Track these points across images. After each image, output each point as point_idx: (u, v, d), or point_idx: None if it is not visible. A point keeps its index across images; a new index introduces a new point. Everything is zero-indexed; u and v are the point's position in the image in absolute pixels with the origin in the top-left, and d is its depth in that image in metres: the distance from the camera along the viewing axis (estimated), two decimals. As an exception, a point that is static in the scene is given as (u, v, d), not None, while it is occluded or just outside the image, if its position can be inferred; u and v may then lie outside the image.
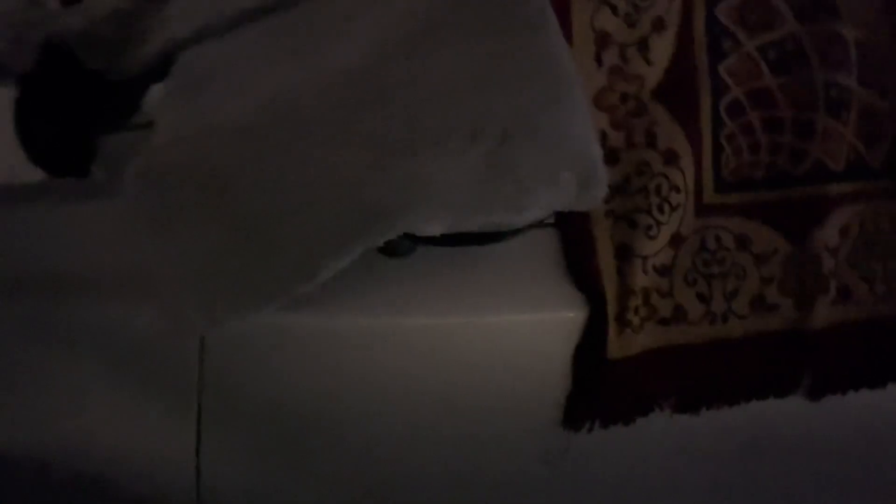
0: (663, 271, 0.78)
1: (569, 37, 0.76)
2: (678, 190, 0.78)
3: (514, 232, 0.72)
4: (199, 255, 0.69)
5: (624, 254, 0.77)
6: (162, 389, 0.75)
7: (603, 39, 0.77)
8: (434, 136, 0.67)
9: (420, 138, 0.67)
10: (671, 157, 0.78)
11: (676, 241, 0.78)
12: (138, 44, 1.06)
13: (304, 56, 0.80)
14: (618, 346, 0.77)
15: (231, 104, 0.78)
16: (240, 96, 0.79)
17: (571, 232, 0.78)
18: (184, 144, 0.75)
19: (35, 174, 0.84)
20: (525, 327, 0.77)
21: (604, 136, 0.77)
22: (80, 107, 1.04)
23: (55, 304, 0.73)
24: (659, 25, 0.77)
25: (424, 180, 0.65)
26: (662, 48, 0.77)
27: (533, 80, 0.69)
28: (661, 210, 0.77)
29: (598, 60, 0.77)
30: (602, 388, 0.77)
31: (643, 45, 0.77)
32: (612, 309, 0.76)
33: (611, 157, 0.76)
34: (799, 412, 0.84)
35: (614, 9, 0.77)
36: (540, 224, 0.77)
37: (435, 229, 0.64)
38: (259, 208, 0.69)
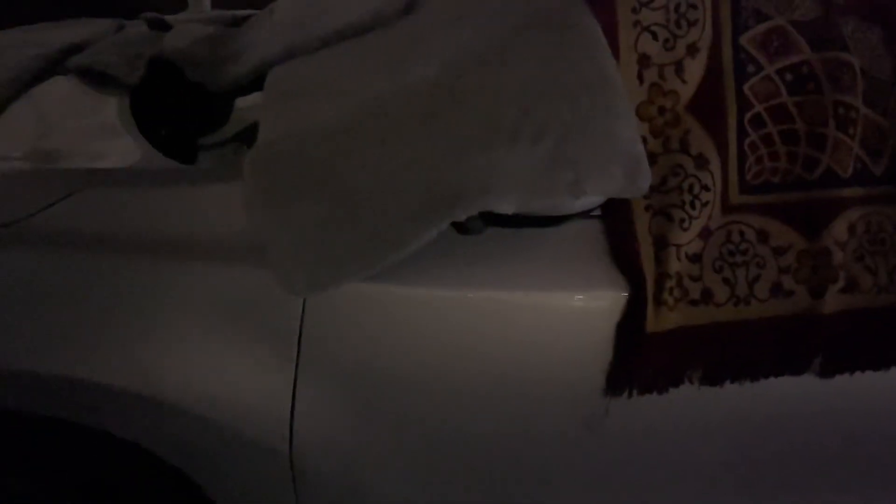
0: (694, 259, 0.90)
1: (616, 57, 0.89)
2: (707, 189, 0.91)
3: (569, 217, 0.85)
4: (307, 229, 0.82)
5: (661, 243, 0.90)
6: (263, 347, 0.88)
7: (644, 60, 0.91)
8: (507, 133, 0.80)
9: (495, 135, 0.80)
10: (702, 162, 0.91)
11: (705, 233, 0.91)
12: (231, 62, 1.22)
13: (390, 70, 0.95)
14: (654, 321, 0.89)
15: (328, 108, 0.92)
16: (336, 101, 0.93)
17: (616, 223, 0.91)
18: (290, 138, 0.89)
19: (164, 161, 0.98)
20: (575, 304, 0.90)
21: (644, 142, 0.90)
22: (185, 111, 1.20)
23: (178, 265, 0.86)
24: (693, 50, 0.91)
25: (499, 168, 0.78)
26: (695, 69, 0.91)
27: (589, 90, 0.83)
28: (692, 206, 0.90)
29: (640, 78, 0.91)
30: (640, 358, 0.89)
31: (679, 67, 0.91)
32: (650, 290, 0.89)
33: (650, 160, 0.89)
34: (809, 394, 0.96)
35: (654, 35, 0.91)
36: (589, 215, 0.91)
37: (506, 208, 0.78)
38: (358, 189, 0.82)
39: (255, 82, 1.13)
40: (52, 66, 1.26)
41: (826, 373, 0.94)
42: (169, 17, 1.48)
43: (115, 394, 0.86)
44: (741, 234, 0.91)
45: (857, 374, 0.95)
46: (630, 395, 0.90)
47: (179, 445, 0.92)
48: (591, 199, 0.79)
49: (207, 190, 0.95)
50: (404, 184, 0.80)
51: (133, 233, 0.89)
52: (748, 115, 0.92)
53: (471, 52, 0.89)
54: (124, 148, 1.08)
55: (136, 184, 0.96)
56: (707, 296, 0.91)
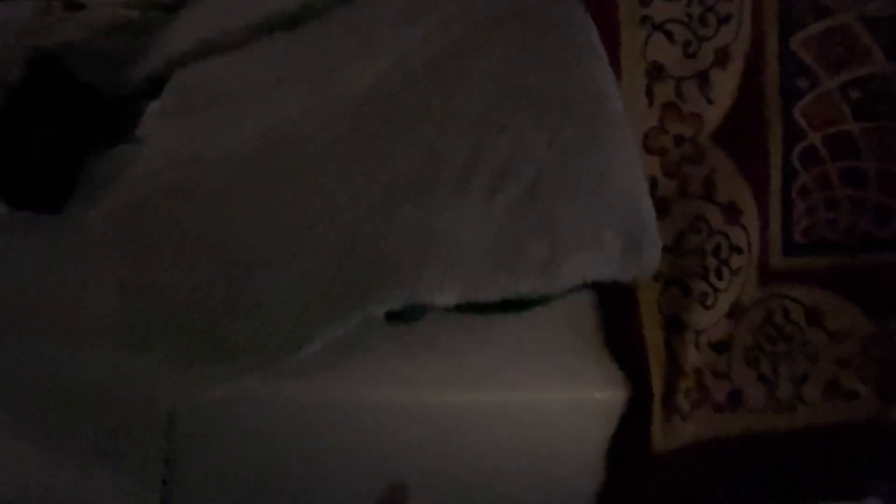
0: (720, 347, 0.66)
1: (616, 67, 0.64)
2: (740, 251, 0.66)
3: (543, 300, 0.60)
4: (176, 309, 0.58)
5: (674, 325, 0.65)
6: (125, 456, 0.64)
7: (656, 71, 0.66)
8: (454, 174, 0.56)
9: (438, 177, 0.56)
10: (732, 213, 0.66)
11: (736, 312, 0.66)
12: (140, 57, 0.96)
13: (313, 80, 0.70)
14: (663, 436, 0.64)
15: (227, 131, 0.68)
16: (237, 122, 0.69)
17: (612, 296, 0.66)
18: (169, 174, 0.65)
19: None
20: (553, 408, 0.65)
21: (653, 185, 0.65)
22: (70, 122, 0.94)
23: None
24: (723, 57, 0.66)
25: (438, 233, 0.54)
26: (726, 84, 0.66)
27: (573, 116, 0.58)
28: (718, 275, 0.65)
29: (650, 96, 0.66)
30: (643, 484, 0.65)
31: (704, 80, 0.66)
32: (658, 391, 0.64)
33: (661, 210, 0.64)
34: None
35: (671, 36, 0.66)
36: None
37: (447, 299, 0.53)
38: (246, 255, 0.58)
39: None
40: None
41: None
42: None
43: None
44: (785, 312, 0.67)
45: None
46: (627, 531, 0.66)
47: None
48: (572, 281, 0.55)
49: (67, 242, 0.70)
50: (307, 251, 0.56)
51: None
52: (798, 148, 0.67)
53: (419, 56, 0.64)
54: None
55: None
56: (736, 399, 0.66)
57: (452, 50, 0.64)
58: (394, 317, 0.61)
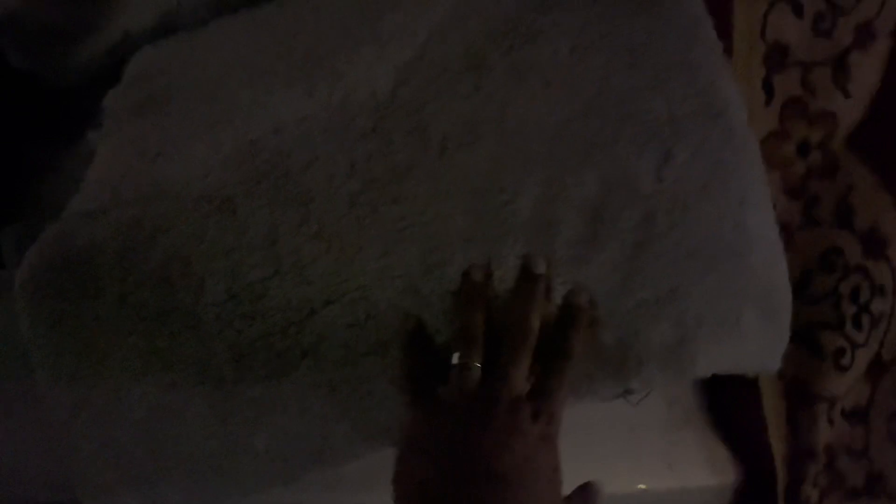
0: (857, 418, 0.51)
1: (728, 51, 0.47)
2: (882, 293, 0.50)
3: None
4: (133, 415, 0.42)
5: (800, 393, 0.50)
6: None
7: (778, 55, 0.49)
8: (522, 221, 0.39)
9: (500, 226, 0.39)
10: (875, 242, 0.50)
11: (877, 371, 0.51)
12: (89, 34, 0.77)
13: (308, 74, 0.52)
14: (787, 532, 0.50)
15: (192, 147, 0.51)
16: (206, 134, 0.51)
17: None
18: (116, 215, 0.47)
19: None
20: (655, 500, 0.50)
21: (772, 207, 0.49)
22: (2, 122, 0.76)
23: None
24: (865, 36, 0.49)
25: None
26: (868, 72, 0.49)
27: (687, 134, 0.41)
28: (857, 325, 0.50)
29: (768, 89, 0.49)
30: None
31: (840, 67, 0.49)
32: (781, 478, 0.49)
33: (782, 241, 0.48)
34: None
35: (799, 8, 0.48)
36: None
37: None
38: (225, 333, 0.42)
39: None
40: None
41: None
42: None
43: None
44: (938, 370, 0.51)
45: None
46: None
47: None
48: (705, 370, 0.39)
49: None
50: (296, 341, 0.40)
51: None
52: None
53: (451, 46, 0.46)
54: None
55: None
56: (877, 483, 0.51)
57: (497, 33, 0.46)
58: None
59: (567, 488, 0.36)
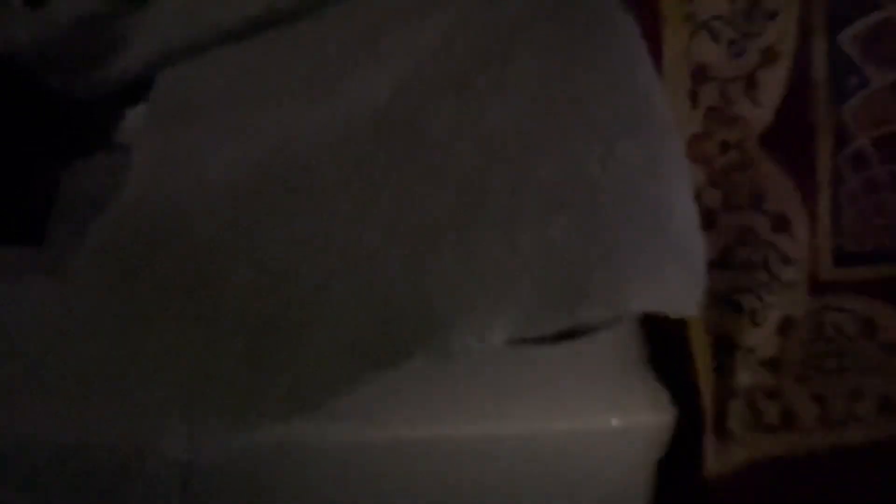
0: (771, 365, 0.62)
1: (658, 69, 0.59)
2: (789, 262, 0.62)
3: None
4: (181, 359, 0.52)
5: (724, 345, 0.61)
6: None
7: (701, 73, 0.61)
8: (500, 204, 0.50)
9: (481, 209, 0.50)
10: (782, 222, 0.62)
11: (786, 326, 0.62)
12: (112, 56, 0.87)
13: (316, 90, 0.63)
14: (716, 459, 0.61)
15: (220, 151, 0.61)
16: (231, 141, 0.62)
17: (656, 316, 0.61)
18: (157, 206, 0.58)
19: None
20: (596, 436, 0.61)
21: (697, 196, 0.61)
22: (39, 136, 0.86)
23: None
24: (771, 56, 0.61)
25: (486, 272, 0.48)
26: (774, 85, 0.62)
27: (626, 130, 0.52)
28: (768, 289, 0.61)
29: (693, 99, 0.61)
30: (695, 512, 0.61)
31: (751, 81, 0.61)
32: (709, 415, 0.60)
33: (707, 223, 0.60)
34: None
35: (715, 34, 0.61)
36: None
37: (497, 338, 0.48)
38: (255, 302, 0.52)
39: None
40: None
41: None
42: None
43: None
44: (837, 326, 0.63)
45: None
46: (679, 561, 0.63)
47: None
48: (633, 309, 0.50)
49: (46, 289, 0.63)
50: (326, 299, 0.50)
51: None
52: (847, 151, 0.63)
53: (441, 64, 0.58)
54: None
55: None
56: (789, 419, 0.63)
57: (479, 56, 0.58)
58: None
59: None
